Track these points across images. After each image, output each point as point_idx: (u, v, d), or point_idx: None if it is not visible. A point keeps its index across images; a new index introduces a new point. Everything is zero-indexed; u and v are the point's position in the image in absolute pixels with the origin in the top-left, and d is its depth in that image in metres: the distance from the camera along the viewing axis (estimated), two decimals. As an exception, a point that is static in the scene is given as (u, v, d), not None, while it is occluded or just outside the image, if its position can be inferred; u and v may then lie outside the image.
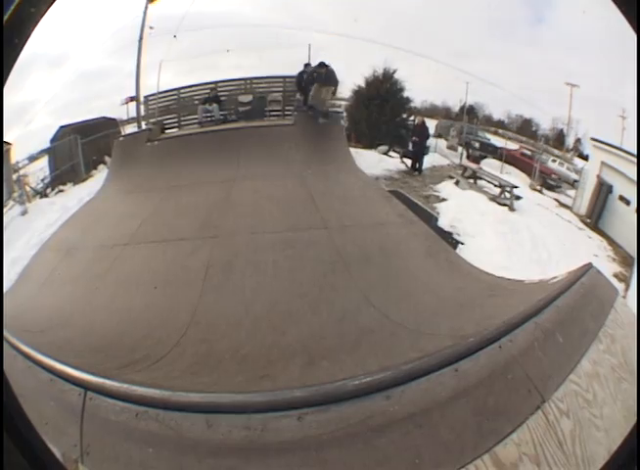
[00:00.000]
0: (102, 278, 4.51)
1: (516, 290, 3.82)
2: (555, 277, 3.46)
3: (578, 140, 5.84)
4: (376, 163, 6.42)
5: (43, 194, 5.89)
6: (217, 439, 2.17)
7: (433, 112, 6.62)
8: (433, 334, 3.35)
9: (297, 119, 6.61)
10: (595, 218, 5.33)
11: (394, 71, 6.35)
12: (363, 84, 6.58)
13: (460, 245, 4.96)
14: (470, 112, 6.47)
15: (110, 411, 2.35)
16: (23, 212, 5.54)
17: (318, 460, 2.09)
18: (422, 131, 6.48)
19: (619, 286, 3.95)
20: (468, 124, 6.55)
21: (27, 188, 5.72)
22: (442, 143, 6.76)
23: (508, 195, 5.68)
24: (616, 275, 4.41)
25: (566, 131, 5.83)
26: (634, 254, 4.56)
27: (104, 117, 6.27)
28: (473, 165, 6.37)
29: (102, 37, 5.76)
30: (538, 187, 5.99)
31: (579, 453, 2.16)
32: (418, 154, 6.54)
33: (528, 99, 5.54)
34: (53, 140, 5.88)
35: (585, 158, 5.78)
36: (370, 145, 6.61)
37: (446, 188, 6.07)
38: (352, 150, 6.28)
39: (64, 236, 5.33)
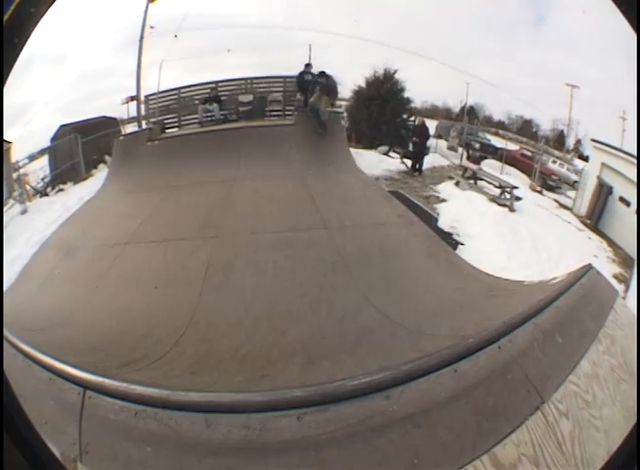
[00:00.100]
0: (102, 277, 4.51)
1: (515, 290, 3.82)
2: (555, 278, 3.46)
3: (579, 141, 5.84)
4: (376, 163, 6.41)
5: (43, 193, 5.88)
6: (216, 438, 2.17)
7: (433, 112, 6.62)
8: (432, 334, 3.35)
9: (298, 120, 6.60)
10: (595, 219, 5.32)
11: (395, 72, 6.35)
12: (364, 84, 6.58)
13: (460, 245, 4.96)
14: (470, 112, 6.47)
15: (109, 410, 2.35)
16: (24, 211, 5.54)
17: (317, 460, 2.10)
18: (422, 132, 6.48)
19: (619, 287, 3.95)
20: (468, 125, 6.55)
21: (28, 187, 5.72)
22: (443, 144, 6.75)
23: (508, 196, 5.68)
24: (615, 276, 4.41)
25: (566, 132, 5.84)
26: (634, 255, 4.56)
27: (104, 117, 6.27)
28: (473, 166, 6.37)
29: (103, 37, 5.76)
30: (538, 188, 5.99)
31: (578, 454, 2.16)
32: (418, 154, 6.54)
33: (529, 100, 5.55)
34: (53, 139, 5.88)
35: (585, 159, 5.78)
36: (370, 145, 6.61)
37: (446, 189, 6.06)
38: (353, 150, 6.28)
39: (64, 235, 5.32)
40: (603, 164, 5.34)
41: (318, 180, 5.70)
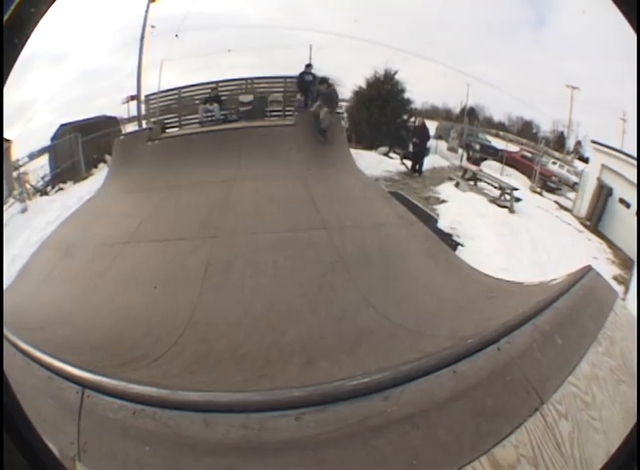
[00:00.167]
0: (101, 276, 4.51)
1: (515, 292, 3.82)
2: (554, 279, 3.46)
3: (579, 143, 5.84)
4: (376, 164, 6.40)
5: (43, 192, 5.88)
6: (215, 438, 2.17)
7: (433, 113, 6.61)
8: (432, 335, 3.35)
9: (298, 120, 6.60)
10: (595, 221, 5.32)
11: (395, 73, 6.34)
12: (364, 85, 6.57)
13: (460, 246, 4.96)
14: (470, 114, 6.47)
15: (107, 409, 2.35)
16: (23, 210, 5.53)
17: (315, 460, 2.10)
18: (422, 133, 6.47)
19: (619, 288, 3.95)
20: (468, 126, 6.54)
21: (28, 186, 5.71)
22: (443, 145, 6.74)
23: (508, 197, 5.68)
24: (615, 278, 4.41)
25: (566, 134, 5.83)
26: (634, 256, 4.56)
27: (104, 116, 6.26)
28: (473, 167, 6.37)
29: (103, 36, 5.75)
30: (538, 189, 5.99)
31: (578, 456, 2.16)
32: (418, 155, 6.53)
33: (529, 101, 5.54)
34: (53, 138, 5.87)
35: (586, 160, 5.77)
36: (370, 146, 6.60)
37: (446, 190, 6.06)
38: (353, 151, 6.27)
39: (63, 234, 5.32)
40: (603, 166, 5.34)
41: (318, 181, 5.70)
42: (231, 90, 6.71)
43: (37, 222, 5.41)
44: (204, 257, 4.56)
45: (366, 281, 4.16)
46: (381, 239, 4.84)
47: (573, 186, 5.84)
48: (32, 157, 5.79)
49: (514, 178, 6.09)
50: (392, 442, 2.12)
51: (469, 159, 6.59)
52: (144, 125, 6.60)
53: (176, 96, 6.65)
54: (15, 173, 5.53)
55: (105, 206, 5.81)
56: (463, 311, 3.69)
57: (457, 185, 6.13)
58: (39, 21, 2.03)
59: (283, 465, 2.12)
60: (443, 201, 5.82)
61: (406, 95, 6.47)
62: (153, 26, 6.03)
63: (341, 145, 6.25)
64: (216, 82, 6.60)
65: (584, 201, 5.52)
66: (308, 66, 6.23)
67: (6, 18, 1.81)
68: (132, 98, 6.34)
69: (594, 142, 5.44)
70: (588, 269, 3.33)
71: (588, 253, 4.95)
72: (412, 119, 6.59)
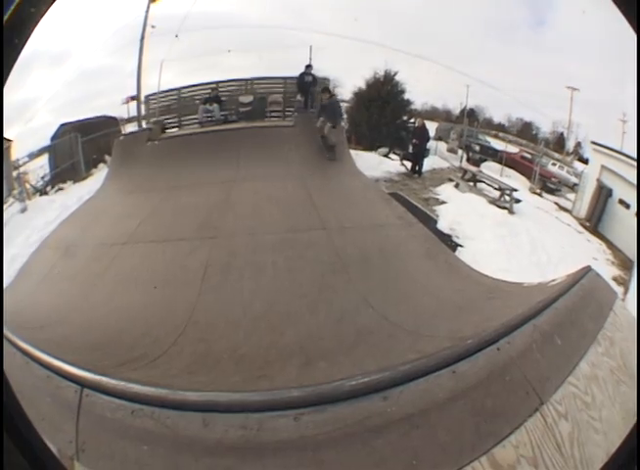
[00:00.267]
0: (100, 276, 4.51)
1: (514, 292, 3.81)
2: (554, 280, 3.45)
3: (578, 144, 5.84)
4: (376, 165, 6.41)
5: (43, 192, 5.88)
6: (213, 438, 2.16)
7: (433, 114, 6.61)
8: (431, 336, 3.34)
9: (298, 121, 6.60)
10: (594, 222, 5.33)
11: (395, 74, 6.35)
12: (364, 86, 6.58)
13: (459, 247, 4.96)
14: (470, 115, 6.48)
15: (106, 408, 2.34)
16: (23, 210, 5.53)
17: (315, 460, 2.09)
18: (422, 134, 6.48)
19: (618, 289, 3.94)
20: (468, 127, 6.55)
21: (27, 185, 5.71)
22: (442, 146, 6.75)
23: (507, 198, 5.68)
24: (615, 278, 4.41)
25: (566, 135, 5.84)
26: (633, 257, 4.56)
27: (104, 116, 6.26)
28: (473, 168, 6.37)
29: (103, 36, 5.76)
30: (538, 190, 5.99)
31: (578, 456, 2.15)
32: (418, 156, 6.54)
33: (529, 102, 5.55)
34: (53, 138, 5.87)
35: (585, 161, 5.78)
36: (370, 147, 6.61)
37: (446, 191, 6.07)
38: (352, 152, 6.28)
39: (63, 234, 5.32)
40: (603, 167, 5.35)
41: (318, 181, 5.71)
42: (231, 91, 6.72)
43: (37, 222, 5.41)
44: (203, 257, 4.56)
45: (365, 282, 4.16)
46: (380, 240, 4.84)
47: (573, 187, 5.84)
48: (32, 156, 5.79)
49: (513, 179, 6.10)
50: (392, 442, 2.11)
51: (468, 160, 6.60)
52: (144, 126, 6.60)
53: (176, 96, 6.66)
54: (14, 173, 5.53)
55: (104, 206, 5.81)
56: (462, 312, 3.69)
57: (457, 186, 6.13)
58: (39, 21, 2.04)
59: (282, 466, 2.11)
60: (443, 202, 5.82)
61: (406, 96, 6.49)
62: (153, 27, 6.03)
63: (340, 146, 6.25)
64: (216, 83, 6.60)
65: (584, 202, 5.52)
66: (308, 66, 6.23)
67: (6, 18, 1.81)
68: (132, 98, 6.35)
69: (594, 143, 5.45)
70: (588, 270, 3.32)
71: (588, 253, 4.95)
72: (412, 120, 6.60)
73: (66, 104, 5.73)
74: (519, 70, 5.33)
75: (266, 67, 6.41)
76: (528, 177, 6.12)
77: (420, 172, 6.50)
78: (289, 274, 4.33)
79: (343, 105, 6.54)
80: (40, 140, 5.76)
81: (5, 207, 5.28)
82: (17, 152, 5.48)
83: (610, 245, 5.05)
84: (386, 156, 6.63)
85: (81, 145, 6.07)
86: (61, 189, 5.99)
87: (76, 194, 5.92)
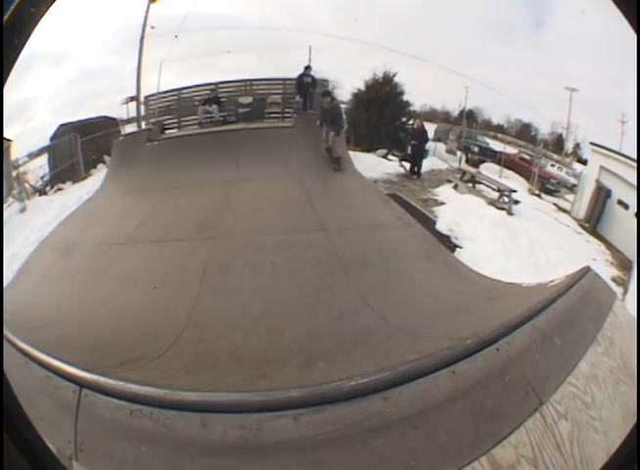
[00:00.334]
0: (99, 276, 4.51)
1: (513, 293, 3.81)
2: (553, 280, 3.45)
3: (577, 145, 5.86)
4: (375, 166, 6.42)
5: (42, 192, 5.88)
6: (212, 438, 2.15)
7: (432, 115, 6.63)
8: (430, 336, 3.34)
9: (297, 122, 6.61)
10: (593, 223, 5.34)
11: (394, 75, 6.36)
12: (363, 87, 6.59)
13: (458, 248, 4.96)
14: (469, 116, 6.49)
15: (104, 409, 2.33)
16: (22, 210, 5.53)
17: (314, 461, 2.08)
18: (421, 135, 6.49)
19: (618, 290, 3.94)
20: (467, 128, 6.57)
21: (27, 185, 5.71)
22: (441, 147, 6.77)
23: (506, 199, 5.68)
24: (614, 279, 4.42)
25: (565, 136, 5.85)
26: (632, 258, 4.57)
27: (104, 117, 6.27)
28: (471, 169, 6.38)
29: (103, 36, 5.76)
30: (537, 191, 6.00)
31: (578, 456, 2.15)
32: (417, 157, 6.54)
33: (528, 103, 5.56)
34: (53, 138, 5.88)
35: (584, 162, 5.79)
36: (369, 148, 6.62)
37: (445, 192, 6.07)
38: (351, 153, 6.28)
39: (62, 234, 5.32)
40: (601, 168, 5.36)
41: (317, 182, 5.71)
42: (230, 92, 6.73)
43: (36, 222, 5.41)
44: (202, 258, 4.56)
45: (364, 283, 4.16)
46: (379, 241, 4.84)
47: (572, 188, 5.85)
48: (32, 156, 5.79)
49: (512, 180, 6.11)
50: (391, 442, 2.10)
51: (467, 161, 6.61)
52: (143, 126, 6.61)
53: (176, 97, 6.67)
54: (14, 173, 5.53)
55: (103, 206, 5.81)
56: (461, 313, 3.68)
57: (455, 187, 6.14)
58: (39, 21, 2.03)
59: (281, 466, 2.10)
60: (442, 203, 5.83)
61: (405, 97, 6.50)
62: (153, 27, 6.04)
63: (339, 147, 6.26)
64: (216, 84, 6.62)
65: (583, 203, 5.53)
66: (307, 68, 6.24)
67: (6, 18, 1.81)
68: (132, 99, 6.35)
69: (593, 144, 5.46)
70: (587, 270, 3.32)
71: (587, 254, 4.96)
72: (411, 122, 6.61)
73: (65, 104, 5.73)
74: (518, 71, 5.34)
75: (265, 68, 6.43)
76: (527, 178, 6.13)
77: (419, 173, 6.51)
78: (288, 275, 4.33)
79: (342, 107, 6.54)
80: (40, 140, 5.77)
81: (4, 206, 5.27)
82: (16, 152, 5.49)
83: (609, 245, 5.06)
84: (384, 157, 6.64)
85: (81, 145, 6.07)
86: (60, 189, 5.99)
87: (76, 194, 5.93)
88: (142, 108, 6.49)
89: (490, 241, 5.09)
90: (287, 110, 6.80)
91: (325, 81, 6.37)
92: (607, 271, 4.48)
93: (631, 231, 4.51)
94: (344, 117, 6.51)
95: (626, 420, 2.26)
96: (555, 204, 5.82)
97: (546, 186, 6.02)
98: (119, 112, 6.36)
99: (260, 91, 6.76)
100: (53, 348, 2.89)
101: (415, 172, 6.50)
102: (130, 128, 6.55)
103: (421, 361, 2.37)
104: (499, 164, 6.33)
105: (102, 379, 2.46)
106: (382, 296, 4.00)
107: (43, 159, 5.91)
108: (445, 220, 5.41)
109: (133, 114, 6.45)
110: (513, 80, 5.36)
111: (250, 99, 6.76)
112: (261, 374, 3.10)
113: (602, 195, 5.30)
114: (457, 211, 5.60)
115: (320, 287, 4.15)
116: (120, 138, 6.47)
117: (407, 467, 2.05)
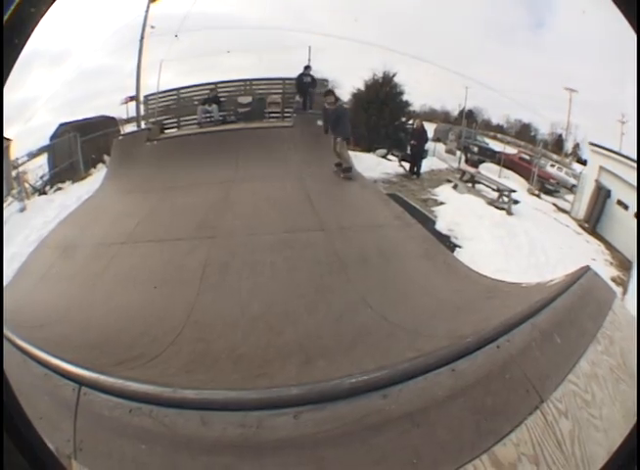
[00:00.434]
0: (99, 276, 4.50)
1: (513, 292, 3.81)
2: (552, 280, 3.45)
3: (577, 145, 5.86)
4: (374, 166, 6.43)
5: (42, 191, 5.88)
6: (212, 436, 2.14)
7: (431, 116, 6.64)
8: (430, 335, 3.33)
9: (296, 121, 6.62)
10: (593, 223, 5.34)
11: (394, 75, 6.37)
12: (362, 88, 6.60)
13: (457, 248, 4.96)
14: (469, 116, 6.50)
15: (103, 407, 2.32)
16: (22, 209, 5.53)
17: (314, 459, 2.07)
18: (420, 135, 6.50)
19: (617, 290, 3.94)
20: (467, 129, 6.57)
21: (26, 185, 5.71)
22: (441, 147, 6.78)
23: (506, 199, 5.69)
24: (613, 279, 4.42)
25: (564, 136, 5.86)
26: (632, 258, 4.57)
27: (103, 116, 6.27)
28: (471, 170, 6.39)
29: (103, 36, 5.77)
30: (536, 191, 6.00)
31: (579, 454, 2.14)
32: (416, 157, 6.55)
33: (527, 104, 5.57)
34: (52, 138, 5.88)
35: (584, 162, 5.79)
36: (369, 148, 6.63)
37: (444, 192, 6.08)
38: (351, 153, 6.28)
39: (62, 233, 5.32)
40: (601, 168, 5.36)
41: (316, 182, 5.71)
42: (230, 91, 6.74)
43: (36, 221, 5.42)
44: (201, 257, 4.56)
45: (364, 282, 4.16)
46: (378, 240, 4.84)
47: (572, 188, 5.86)
48: (31, 156, 5.79)
49: (512, 180, 6.11)
50: (392, 440, 2.09)
51: (467, 161, 6.62)
52: (143, 126, 6.61)
53: (175, 97, 6.68)
54: (14, 172, 5.53)
55: (103, 206, 5.81)
56: (461, 312, 3.68)
57: (455, 187, 6.15)
58: (39, 21, 2.03)
59: (281, 464, 2.09)
60: (441, 203, 5.83)
61: (404, 97, 6.50)
62: (152, 27, 6.05)
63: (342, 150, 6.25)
64: (215, 83, 6.62)
65: (582, 203, 5.54)
66: (307, 67, 6.25)
67: (6, 18, 1.80)
68: (131, 98, 6.36)
69: (592, 144, 5.46)
70: (586, 269, 3.32)
71: (586, 254, 4.96)
72: (410, 122, 6.62)
73: (65, 103, 5.74)
74: (518, 72, 5.35)
75: (265, 68, 6.44)
76: (527, 178, 6.14)
77: (418, 173, 6.51)
78: (287, 274, 4.33)
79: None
80: (39, 140, 5.77)
81: (4, 206, 5.27)
82: (16, 151, 5.49)
83: (608, 246, 5.06)
84: (384, 157, 6.65)
85: (80, 145, 6.07)
86: (60, 189, 5.99)
87: (75, 194, 5.93)
88: (142, 107, 6.50)
89: (490, 241, 5.09)
90: (286, 109, 6.80)
91: (325, 81, 6.38)
92: (606, 271, 4.48)
93: (631, 231, 4.52)
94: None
95: (627, 419, 2.25)
96: (554, 204, 5.83)
97: (546, 186, 6.02)
98: (119, 111, 6.38)
99: (260, 91, 6.77)
100: (52, 346, 2.87)
101: (414, 172, 6.51)
102: (130, 128, 6.55)
103: (421, 359, 2.36)
104: (499, 164, 6.34)
105: (101, 377, 2.45)
106: (381, 295, 4.00)
107: (43, 158, 5.91)
108: (445, 220, 5.41)
109: (133, 113, 6.47)
110: (513, 80, 5.37)
111: (249, 99, 6.77)
112: (261, 373, 3.09)
113: (601, 195, 5.30)
114: (456, 211, 5.60)
115: (319, 286, 4.15)
116: (120, 138, 6.47)
117: (408, 465, 2.04)
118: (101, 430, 2.30)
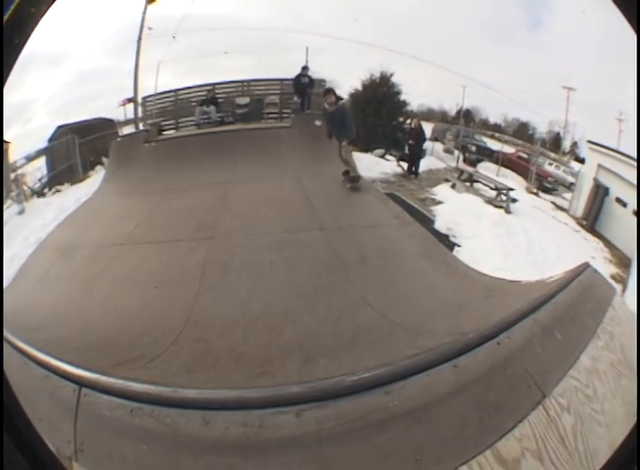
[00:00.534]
0: (98, 277, 4.50)
1: (513, 290, 3.82)
2: (552, 276, 3.46)
3: (575, 143, 5.87)
4: (372, 166, 6.41)
5: (40, 194, 5.86)
6: (214, 436, 2.14)
7: (429, 115, 6.64)
8: (431, 333, 3.34)
9: (295, 122, 6.61)
10: (591, 221, 5.34)
11: (391, 75, 6.37)
12: (360, 87, 6.60)
13: (456, 247, 4.96)
14: (466, 115, 6.50)
15: (104, 408, 2.32)
16: (21, 212, 5.52)
17: (317, 457, 2.07)
18: (418, 135, 6.49)
19: (617, 287, 3.95)
20: (464, 128, 6.58)
21: (25, 187, 5.70)
22: (439, 146, 6.77)
23: (504, 198, 5.69)
24: (612, 276, 4.41)
25: (562, 134, 5.87)
26: (631, 255, 4.57)
27: (101, 118, 6.26)
28: (469, 169, 6.39)
29: (101, 37, 5.75)
30: (535, 190, 6.01)
31: (582, 449, 2.15)
32: (414, 157, 6.55)
33: (525, 102, 5.57)
34: (50, 140, 5.86)
35: (582, 161, 5.80)
36: (366, 148, 6.61)
37: (443, 191, 6.08)
38: (349, 153, 6.28)
39: (60, 235, 5.31)
40: (599, 166, 5.37)
41: (314, 182, 5.71)
42: (228, 92, 6.72)
43: (34, 224, 5.41)
44: (200, 257, 4.56)
45: (363, 281, 4.16)
46: (377, 240, 4.85)
47: (570, 186, 5.86)
48: (30, 158, 5.78)
49: (510, 179, 6.12)
50: (395, 437, 2.09)
51: (465, 160, 6.62)
52: (141, 127, 6.60)
53: (173, 98, 6.66)
54: (12, 175, 5.52)
55: (101, 208, 5.80)
56: (461, 310, 3.69)
57: (453, 186, 6.15)
58: (39, 21, 2.03)
59: (284, 463, 2.08)
60: (440, 202, 5.83)
61: (402, 97, 6.50)
62: (150, 28, 6.04)
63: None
64: (213, 84, 6.61)
65: (581, 201, 5.54)
66: (305, 68, 6.24)
67: (6, 18, 1.81)
68: (129, 100, 6.34)
69: (590, 142, 5.47)
70: (586, 266, 3.34)
71: (585, 252, 4.96)
72: (408, 122, 6.62)
73: (63, 105, 5.72)
74: (516, 71, 5.35)
75: (263, 68, 6.42)
76: (525, 177, 6.14)
77: (416, 173, 6.51)
78: (287, 274, 4.33)
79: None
80: (37, 142, 5.74)
81: (3, 208, 5.26)
82: (14, 154, 5.46)
83: (607, 243, 5.07)
84: (382, 157, 6.64)
85: (78, 147, 6.06)
86: (58, 191, 5.98)
87: (74, 196, 5.92)
88: (139, 109, 6.49)
89: (488, 239, 5.10)
90: (284, 110, 6.80)
91: (322, 81, 6.37)
92: (605, 269, 4.48)
93: (629, 229, 4.52)
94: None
95: (629, 413, 2.26)
96: (553, 202, 5.84)
97: (544, 184, 6.03)
98: (117, 113, 6.35)
99: (258, 92, 6.75)
100: (52, 348, 2.87)
101: (413, 172, 6.51)
102: (128, 130, 6.53)
103: (422, 356, 2.36)
104: (497, 162, 6.34)
105: (101, 378, 2.45)
106: (381, 294, 4.00)
107: (41, 161, 5.89)
108: (443, 219, 5.41)
109: (131, 115, 6.45)
110: (510, 80, 5.38)
111: (247, 99, 6.76)
112: (262, 372, 3.09)
113: (600, 193, 5.31)
114: (455, 210, 5.60)
115: (318, 285, 4.15)
116: (118, 139, 6.45)
117: (412, 462, 2.04)
118: (102, 431, 2.29)
